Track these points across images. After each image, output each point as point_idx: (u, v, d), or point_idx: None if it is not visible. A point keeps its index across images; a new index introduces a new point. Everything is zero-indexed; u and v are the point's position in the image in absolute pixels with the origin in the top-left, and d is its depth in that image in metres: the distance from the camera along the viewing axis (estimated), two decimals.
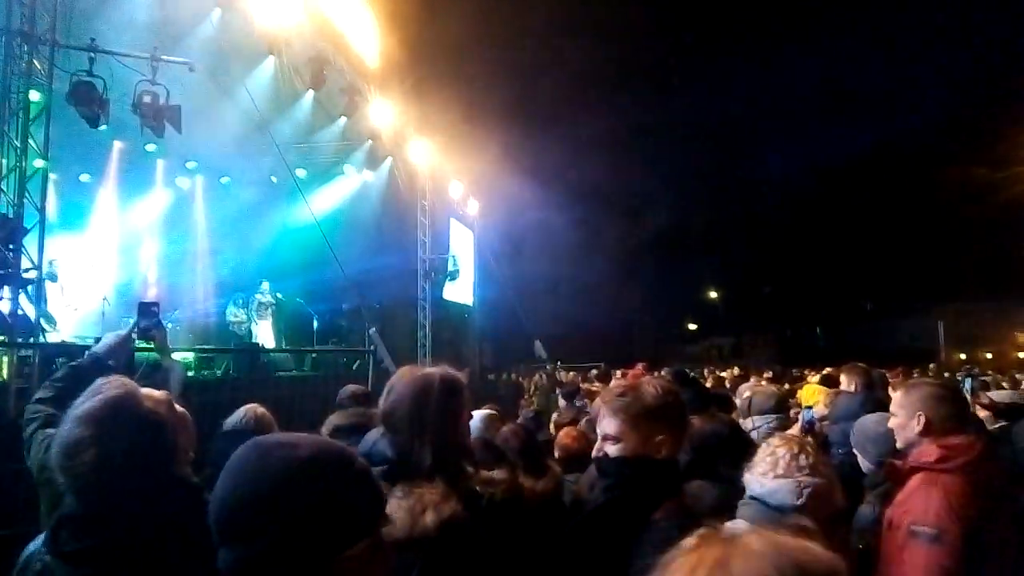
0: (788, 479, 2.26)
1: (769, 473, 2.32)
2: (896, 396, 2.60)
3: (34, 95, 7.58)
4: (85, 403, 1.58)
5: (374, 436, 1.91)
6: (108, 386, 1.63)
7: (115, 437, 1.53)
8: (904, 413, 2.49)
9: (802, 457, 2.33)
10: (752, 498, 2.36)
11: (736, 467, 2.83)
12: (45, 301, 9.96)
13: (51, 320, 9.90)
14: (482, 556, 1.59)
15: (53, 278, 10.03)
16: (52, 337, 9.61)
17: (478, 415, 3.71)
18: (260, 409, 3.28)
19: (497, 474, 1.82)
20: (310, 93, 12.12)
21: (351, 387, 4.04)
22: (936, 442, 2.33)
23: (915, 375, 9.96)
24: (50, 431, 2.67)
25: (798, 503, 2.25)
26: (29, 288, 7.31)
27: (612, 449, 1.78)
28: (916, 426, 2.42)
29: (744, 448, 3.05)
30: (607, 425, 1.80)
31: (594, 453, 1.86)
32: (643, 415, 1.77)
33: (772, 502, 2.26)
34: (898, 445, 2.49)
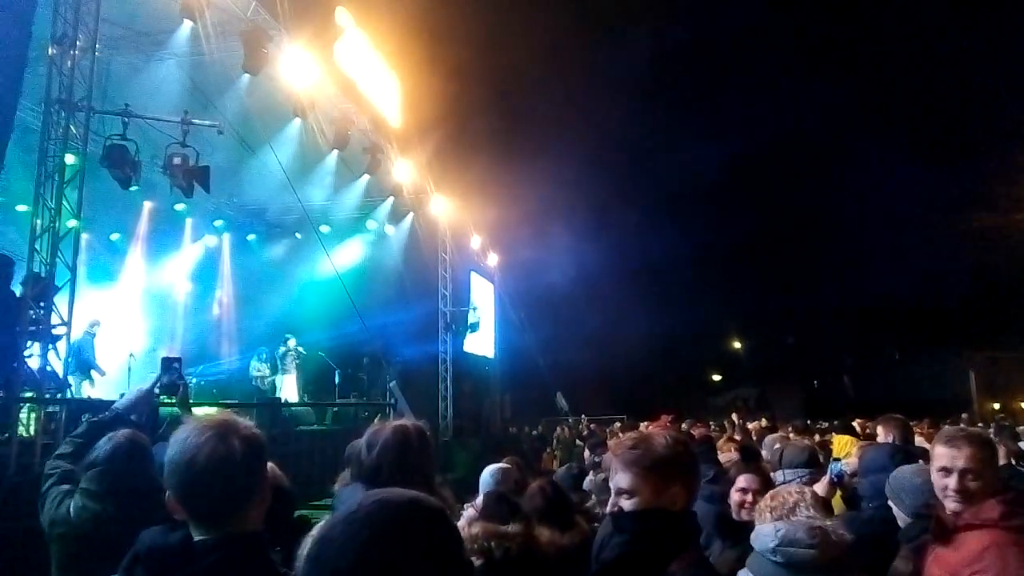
0: (767, 523, 2.27)
1: (759, 521, 2.32)
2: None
3: (69, 158, 7.84)
4: (200, 421, 1.57)
5: (354, 491, 1.95)
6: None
7: (233, 436, 1.51)
8: None
9: (787, 505, 2.35)
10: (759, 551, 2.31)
11: None
12: (95, 355, 10.39)
13: (101, 371, 10.42)
14: None
15: (93, 336, 10.39)
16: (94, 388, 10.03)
17: (490, 469, 3.68)
18: (269, 463, 3.29)
19: (512, 528, 1.81)
20: (334, 153, 12.45)
21: (359, 441, 4.02)
22: (995, 498, 2.22)
23: (943, 426, 9.67)
24: (64, 487, 2.68)
25: (771, 545, 2.22)
26: (58, 344, 7.43)
27: (627, 504, 1.75)
28: None
29: None
30: (620, 479, 1.78)
31: (608, 508, 1.83)
32: (656, 467, 1.74)
33: (757, 547, 2.23)
34: (952, 503, 2.32)
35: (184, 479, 1.47)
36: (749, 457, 4.36)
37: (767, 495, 2.50)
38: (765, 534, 2.24)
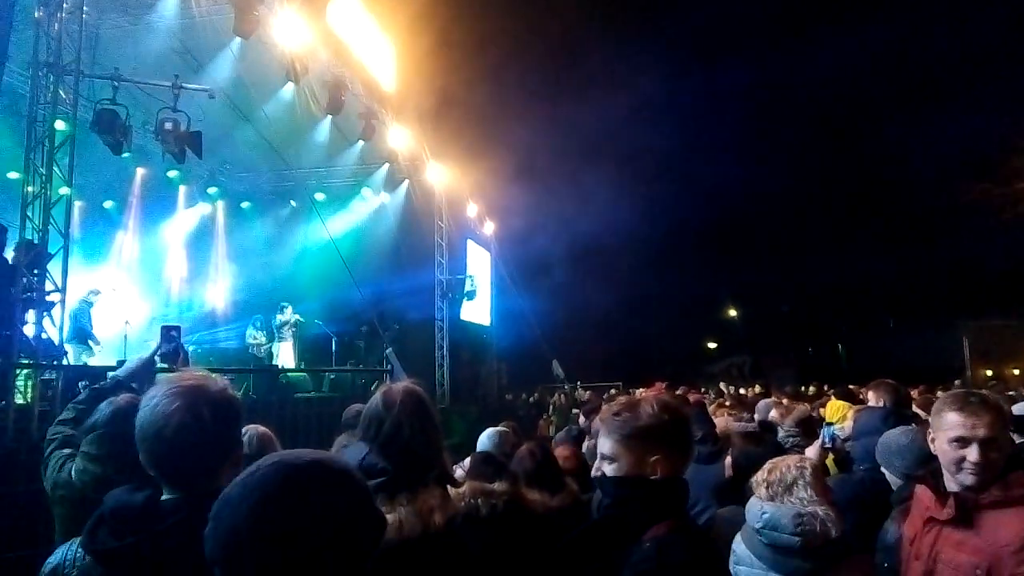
0: (784, 505, 2.20)
1: (767, 498, 2.26)
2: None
3: (60, 124, 7.74)
4: (170, 383, 1.56)
5: (357, 451, 2.00)
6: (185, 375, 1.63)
7: (202, 403, 1.51)
8: None
9: (781, 486, 2.25)
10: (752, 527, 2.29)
11: None
12: (91, 324, 10.41)
13: (96, 341, 10.39)
14: (483, 549, 1.65)
15: (91, 305, 10.39)
16: (93, 357, 10.02)
17: (488, 432, 3.74)
18: (261, 428, 3.31)
19: (498, 486, 1.85)
20: (328, 118, 12.29)
21: (356, 406, 4.04)
22: (1018, 471, 2.03)
23: (939, 392, 9.77)
24: (66, 451, 2.71)
25: (755, 526, 2.20)
26: (53, 312, 7.42)
27: (608, 469, 1.78)
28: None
29: None
30: (603, 444, 1.80)
31: (593, 472, 1.86)
32: (637, 435, 1.74)
33: (766, 527, 2.20)
34: (971, 477, 2.07)
35: (153, 447, 1.49)
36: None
37: (766, 465, 2.37)
38: (753, 512, 2.22)
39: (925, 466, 2.41)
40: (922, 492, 2.22)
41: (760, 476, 2.33)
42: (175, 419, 1.47)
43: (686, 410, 1.88)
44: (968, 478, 2.04)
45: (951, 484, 2.11)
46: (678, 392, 8.05)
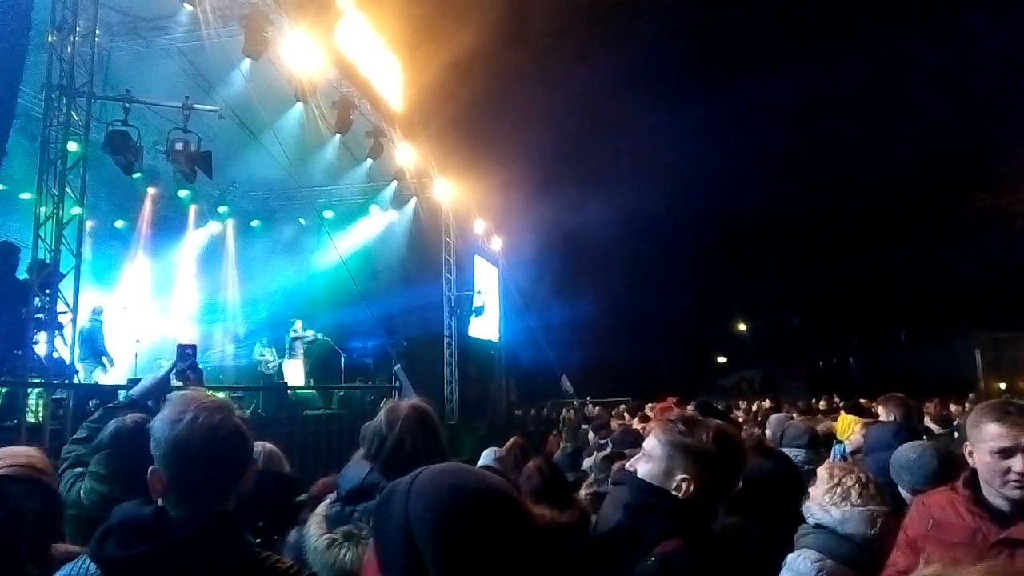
0: (862, 508, 2.25)
1: (840, 502, 2.27)
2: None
3: (72, 145, 7.85)
4: (193, 401, 1.58)
5: (359, 469, 1.97)
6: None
7: (226, 422, 1.53)
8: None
9: (871, 487, 2.33)
10: (817, 526, 2.30)
11: (786, 505, 2.76)
12: (103, 342, 10.44)
13: (111, 360, 10.41)
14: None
15: (102, 323, 10.47)
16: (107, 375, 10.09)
17: (487, 453, 3.74)
18: (268, 445, 3.30)
19: None
20: (336, 137, 12.41)
21: (373, 424, 4.05)
22: None
23: (952, 406, 9.71)
24: (77, 470, 2.71)
25: (872, 532, 2.20)
26: (64, 331, 7.47)
27: (641, 467, 1.77)
28: None
29: (796, 486, 2.98)
30: (647, 441, 1.81)
31: (629, 463, 1.86)
32: (679, 447, 1.73)
33: (843, 531, 2.22)
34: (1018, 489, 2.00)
35: (179, 457, 1.49)
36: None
37: (830, 473, 2.42)
38: (863, 520, 2.21)
39: (933, 482, 2.43)
40: (949, 512, 2.10)
41: (833, 484, 2.34)
42: (205, 429, 1.49)
43: (744, 450, 1.82)
44: (1016, 491, 1.94)
45: (995, 499, 2.00)
46: (689, 407, 7.99)
